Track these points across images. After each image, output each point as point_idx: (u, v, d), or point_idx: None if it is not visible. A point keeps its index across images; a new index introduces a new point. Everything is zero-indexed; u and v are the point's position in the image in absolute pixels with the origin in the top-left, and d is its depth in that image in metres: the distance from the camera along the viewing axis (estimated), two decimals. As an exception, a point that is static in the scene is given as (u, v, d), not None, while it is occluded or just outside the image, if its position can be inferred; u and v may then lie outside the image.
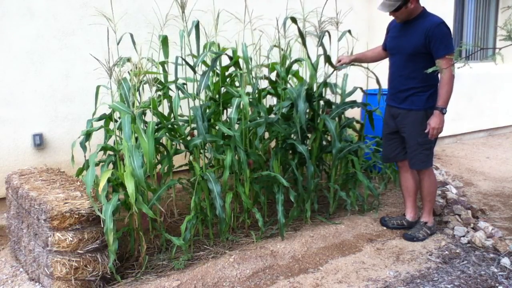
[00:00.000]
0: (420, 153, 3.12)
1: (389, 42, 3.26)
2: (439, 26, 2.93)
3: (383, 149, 3.44)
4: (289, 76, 3.59)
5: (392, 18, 3.29)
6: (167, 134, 3.19)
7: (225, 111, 3.44)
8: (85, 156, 3.09)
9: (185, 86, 3.19)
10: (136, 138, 2.69)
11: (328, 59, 3.45)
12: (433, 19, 2.99)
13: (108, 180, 2.65)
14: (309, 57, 3.48)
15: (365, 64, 3.61)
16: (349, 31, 3.59)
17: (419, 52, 2.99)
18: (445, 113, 2.99)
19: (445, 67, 2.88)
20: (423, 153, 3.12)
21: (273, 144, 3.70)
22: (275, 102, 3.62)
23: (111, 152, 2.95)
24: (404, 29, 3.11)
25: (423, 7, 3.07)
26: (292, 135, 3.41)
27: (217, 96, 3.35)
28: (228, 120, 3.08)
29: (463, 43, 2.52)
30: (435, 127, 2.99)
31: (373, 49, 3.50)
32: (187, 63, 2.97)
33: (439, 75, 3.00)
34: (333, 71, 3.53)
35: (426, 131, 3.03)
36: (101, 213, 2.50)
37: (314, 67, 3.48)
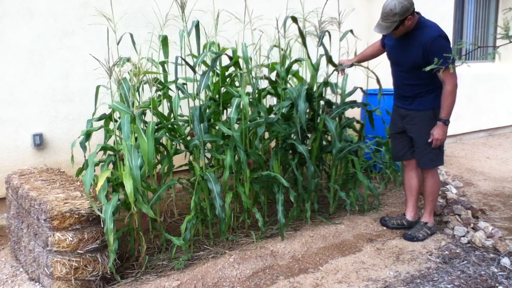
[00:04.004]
0: (429, 152, 3.13)
1: (388, 53, 3.24)
2: (436, 40, 2.88)
3: (392, 148, 3.45)
4: (289, 76, 3.59)
5: None
6: (167, 134, 3.19)
7: (225, 111, 3.44)
8: (85, 156, 3.08)
9: (185, 86, 3.19)
10: (136, 138, 2.69)
11: (329, 59, 3.45)
12: (430, 32, 2.92)
13: (108, 180, 2.65)
14: (309, 57, 3.48)
15: (365, 64, 3.61)
16: (351, 31, 3.59)
17: (420, 65, 2.92)
18: (448, 124, 3.02)
19: (447, 80, 2.88)
20: (433, 152, 3.13)
21: (273, 144, 3.70)
22: (275, 102, 3.62)
23: (111, 152, 2.95)
24: (401, 40, 3.06)
25: (418, 14, 2.99)
26: (292, 135, 3.41)
27: (217, 96, 3.35)
28: (228, 120, 3.08)
29: (461, 41, 2.49)
30: (438, 138, 3.03)
31: (372, 45, 3.47)
32: (187, 63, 2.97)
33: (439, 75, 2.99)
34: (334, 70, 3.53)
35: (429, 140, 3.06)
36: (101, 213, 2.50)
37: (315, 67, 3.48)
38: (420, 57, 2.94)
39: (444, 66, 2.69)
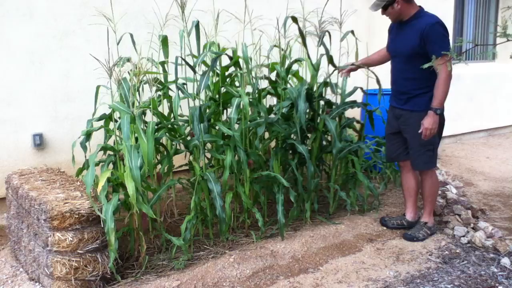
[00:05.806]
0: (423, 154, 3.12)
1: (389, 45, 3.26)
2: (433, 27, 2.90)
3: (386, 149, 3.45)
4: (289, 76, 3.59)
5: None
6: (167, 134, 3.19)
7: (225, 111, 3.44)
8: (85, 156, 3.09)
9: (185, 86, 3.19)
10: (136, 138, 2.69)
11: (330, 59, 3.45)
12: (427, 19, 2.95)
13: (108, 180, 2.65)
14: (309, 57, 3.48)
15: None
16: (352, 32, 3.59)
17: (417, 54, 2.96)
18: (439, 114, 2.98)
19: (442, 67, 2.87)
20: (426, 154, 3.12)
21: (273, 144, 3.70)
22: (275, 102, 3.62)
23: (111, 152, 2.95)
24: (400, 30, 3.11)
25: (420, 7, 3.05)
26: (292, 135, 3.41)
27: (217, 96, 3.35)
28: (228, 120, 3.08)
29: (459, 39, 2.48)
30: (429, 127, 2.96)
31: (379, 52, 3.47)
32: (187, 63, 2.97)
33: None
34: (334, 70, 3.53)
35: (419, 131, 3.02)
36: (101, 213, 2.50)
37: (315, 67, 3.48)
38: (417, 44, 2.95)
39: (439, 54, 2.67)
